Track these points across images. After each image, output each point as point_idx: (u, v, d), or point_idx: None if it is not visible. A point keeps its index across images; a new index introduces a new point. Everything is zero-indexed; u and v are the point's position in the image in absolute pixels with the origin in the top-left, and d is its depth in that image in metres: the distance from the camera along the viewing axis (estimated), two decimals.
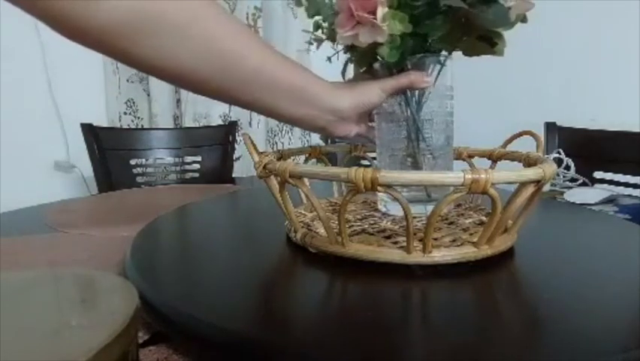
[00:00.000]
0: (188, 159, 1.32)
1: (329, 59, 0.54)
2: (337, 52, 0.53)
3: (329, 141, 1.50)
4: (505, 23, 0.43)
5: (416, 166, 0.50)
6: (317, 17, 0.52)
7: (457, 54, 0.49)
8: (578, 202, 0.76)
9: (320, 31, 0.53)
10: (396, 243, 0.41)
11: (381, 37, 0.44)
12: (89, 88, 1.58)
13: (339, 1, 0.45)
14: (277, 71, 0.44)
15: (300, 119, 0.48)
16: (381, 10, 0.43)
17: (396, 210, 0.51)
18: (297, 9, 0.51)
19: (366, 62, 0.51)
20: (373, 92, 0.48)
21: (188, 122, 1.67)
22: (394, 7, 0.43)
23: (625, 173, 1.06)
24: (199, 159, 1.32)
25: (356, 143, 0.60)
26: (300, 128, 0.49)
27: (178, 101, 1.68)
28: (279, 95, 0.45)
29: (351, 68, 0.55)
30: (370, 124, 0.54)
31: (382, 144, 0.53)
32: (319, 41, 0.53)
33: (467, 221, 0.49)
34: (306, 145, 1.94)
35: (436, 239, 0.42)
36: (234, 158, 1.45)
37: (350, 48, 0.50)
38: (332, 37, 0.50)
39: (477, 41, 0.46)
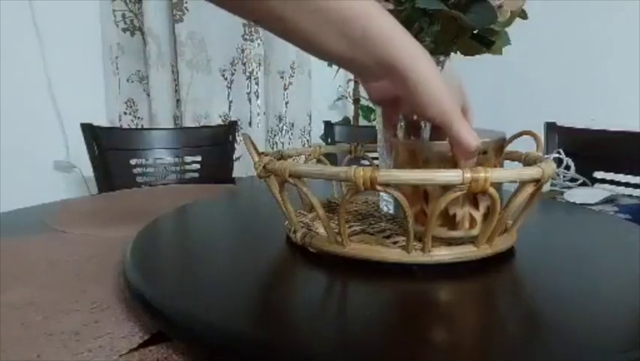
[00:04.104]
0: (188, 159, 1.32)
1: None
2: None
3: (329, 141, 1.50)
4: (490, 22, 0.43)
5: None
6: None
7: (457, 54, 0.49)
8: (578, 202, 0.76)
9: None
10: (396, 243, 0.41)
11: None
12: (89, 88, 1.58)
13: None
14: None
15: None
16: None
17: (398, 210, 0.51)
18: None
19: None
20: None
21: (188, 122, 1.66)
22: None
23: (625, 173, 1.06)
24: (199, 159, 1.32)
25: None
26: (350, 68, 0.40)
27: (178, 101, 1.68)
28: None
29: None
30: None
31: (383, 144, 0.53)
32: None
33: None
34: (306, 145, 1.95)
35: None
36: (234, 158, 1.45)
37: None
38: None
39: (472, 41, 0.46)
